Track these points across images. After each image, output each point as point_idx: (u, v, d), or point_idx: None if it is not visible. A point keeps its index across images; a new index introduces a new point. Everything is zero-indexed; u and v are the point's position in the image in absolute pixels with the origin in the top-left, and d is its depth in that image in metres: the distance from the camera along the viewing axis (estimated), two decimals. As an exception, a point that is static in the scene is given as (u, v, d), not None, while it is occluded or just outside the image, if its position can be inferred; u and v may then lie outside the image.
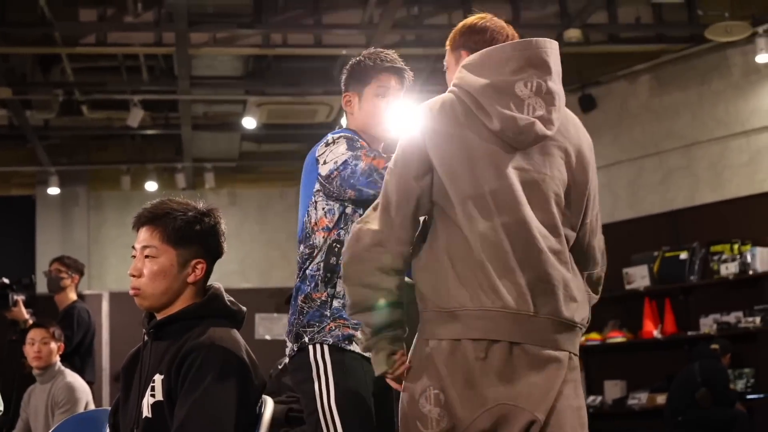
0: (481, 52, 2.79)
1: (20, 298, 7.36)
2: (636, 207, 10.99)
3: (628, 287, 10.40)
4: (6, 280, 7.43)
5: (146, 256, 2.98)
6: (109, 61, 10.59)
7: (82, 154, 14.00)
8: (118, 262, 14.72)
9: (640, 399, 10.18)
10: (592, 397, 10.70)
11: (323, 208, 3.28)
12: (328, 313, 3.23)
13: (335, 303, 3.24)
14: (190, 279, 3.00)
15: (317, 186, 3.28)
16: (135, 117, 10.78)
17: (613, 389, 10.60)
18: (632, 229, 10.78)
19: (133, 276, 3.00)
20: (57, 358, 6.05)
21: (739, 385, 9.68)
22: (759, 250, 9.57)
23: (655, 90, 10.91)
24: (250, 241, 15.00)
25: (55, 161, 13.35)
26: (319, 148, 3.29)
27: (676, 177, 10.74)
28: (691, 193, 10.57)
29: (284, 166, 14.84)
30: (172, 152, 13.72)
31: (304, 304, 3.25)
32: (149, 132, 12.60)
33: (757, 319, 9.50)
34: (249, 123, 11.19)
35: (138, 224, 3.04)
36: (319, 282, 3.24)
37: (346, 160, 3.15)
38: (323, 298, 3.24)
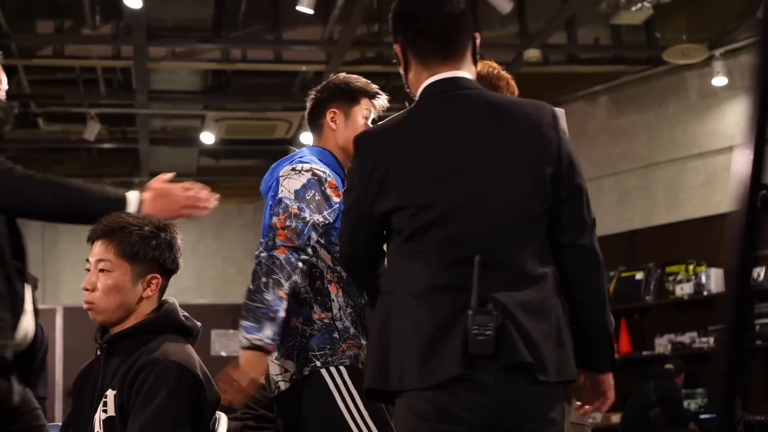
0: None
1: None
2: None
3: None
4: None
5: (101, 270, 2.94)
6: (66, 73, 10.48)
7: (38, 167, 13.70)
8: (73, 276, 14.57)
9: (594, 418, 10.18)
10: (547, 416, 10.71)
11: None
12: (337, 334, 3.13)
13: (339, 324, 3.15)
14: (145, 294, 2.96)
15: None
16: (92, 131, 10.69)
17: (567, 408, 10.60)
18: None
19: (87, 290, 2.95)
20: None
21: (693, 405, 9.73)
22: (714, 271, 9.66)
23: (613, 111, 11.00)
24: (206, 257, 14.92)
25: (9, 174, 13.18)
26: (285, 170, 3.20)
27: (633, 197, 10.82)
28: (648, 214, 10.65)
29: (242, 182, 14.78)
30: (129, 166, 13.62)
31: (306, 327, 3.12)
32: (106, 146, 12.49)
33: (711, 340, 9.57)
34: (207, 138, 11.13)
35: (93, 238, 2.99)
36: (314, 304, 3.15)
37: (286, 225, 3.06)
38: (326, 320, 3.14)
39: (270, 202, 3.24)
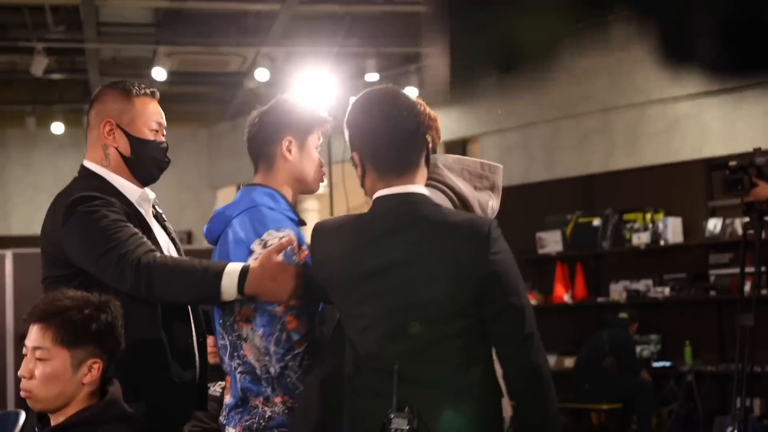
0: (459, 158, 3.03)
1: None
2: (551, 169, 10.97)
3: (540, 251, 10.44)
4: None
5: (38, 358, 2.78)
6: (12, 8, 10.10)
7: (-16, 93, 13.50)
8: (23, 201, 14.34)
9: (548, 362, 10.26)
10: (502, 358, 10.78)
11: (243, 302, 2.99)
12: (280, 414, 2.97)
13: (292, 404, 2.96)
14: (86, 380, 2.81)
15: None
16: (39, 65, 10.36)
17: (522, 350, 10.67)
18: (547, 191, 10.80)
19: (24, 377, 2.80)
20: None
21: (645, 351, 9.82)
22: (671, 220, 9.64)
23: (574, 52, 10.80)
24: (160, 183, 14.54)
25: (-46, 100, 12.89)
26: (254, 245, 2.97)
27: (592, 141, 10.73)
28: (606, 158, 10.58)
29: (196, 108, 14.50)
30: (80, 93, 13.26)
31: (266, 407, 2.94)
32: (55, 77, 12.13)
33: (666, 289, 9.61)
34: (159, 74, 10.80)
35: (29, 320, 2.83)
36: (275, 385, 2.94)
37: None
38: (289, 404, 2.93)
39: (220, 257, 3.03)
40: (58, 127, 13.37)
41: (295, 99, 3.19)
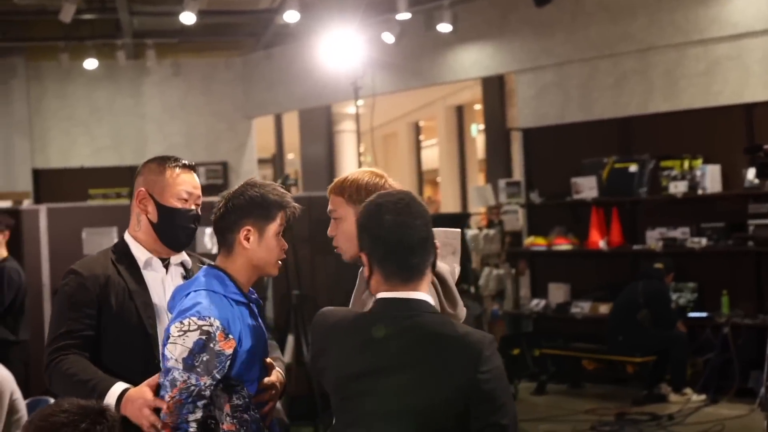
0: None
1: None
2: (587, 110, 10.76)
3: (576, 196, 10.30)
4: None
5: None
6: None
7: (18, 31, 13.44)
8: (59, 134, 14.39)
9: (582, 308, 10.24)
10: (536, 301, 10.77)
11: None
12: None
13: None
14: None
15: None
16: (67, 12, 10.26)
17: (557, 293, 10.65)
18: (582, 133, 10.61)
19: None
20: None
21: (681, 299, 9.73)
22: (709, 168, 9.44)
23: (612, -11, 10.51)
24: (194, 114, 14.65)
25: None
26: (173, 328, 3.05)
27: (630, 82, 10.48)
28: (644, 101, 10.34)
29: (229, 38, 14.36)
30: (112, 28, 13.16)
31: None
32: (86, 17, 12.02)
33: (704, 239, 9.46)
34: (188, 18, 10.64)
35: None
36: None
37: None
38: None
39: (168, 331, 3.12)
40: (91, 63, 13.32)
41: (261, 184, 3.25)
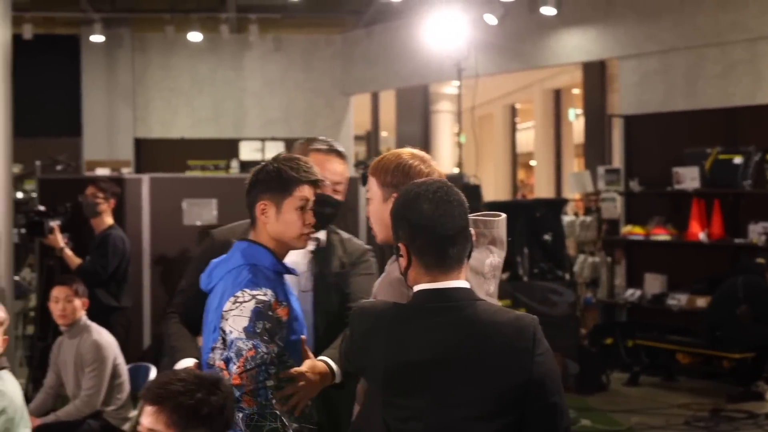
0: None
1: (56, 224, 7.34)
2: (692, 99, 10.57)
3: (677, 186, 10.14)
4: (42, 208, 7.40)
5: None
6: None
7: (125, 2, 13.70)
8: (162, 105, 14.66)
9: (679, 300, 10.09)
10: (631, 290, 10.65)
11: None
12: None
13: None
14: None
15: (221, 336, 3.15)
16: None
17: (653, 283, 10.51)
18: (686, 122, 10.43)
19: None
20: (82, 314, 6.00)
21: (783, 296, 9.53)
22: (818, 162, 9.22)
23: (722, -24, 10.29)
24: (294, 89, 14.77)
25: (98, 8, 13.09)
26: (227, 303, 3.11)
27: (737, 72, 10.26)
28: (752, 91, 10.12)
29: (330, 14, 14.42)
30: (217, 2, 13.33)
31: None
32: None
33: (808, 235, 9.26)
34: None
35: (144, 400, 2.90)
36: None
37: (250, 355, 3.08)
38: None
39: (210, 318, 3.20)
40: (195, 36, 13.52)
41: (284, 159, 3.27)
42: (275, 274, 3.21)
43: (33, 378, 7.69)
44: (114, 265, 7.34)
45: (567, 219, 11.60)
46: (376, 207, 3.10)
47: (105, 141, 14.48)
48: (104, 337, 6.02)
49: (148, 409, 2.89)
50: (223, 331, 3.12)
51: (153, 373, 6.29)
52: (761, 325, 9.01)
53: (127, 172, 13.63)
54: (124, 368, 6.08)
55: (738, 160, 9.73)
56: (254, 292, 3.09)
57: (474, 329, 2.67)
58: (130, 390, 6.10)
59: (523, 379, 2.62)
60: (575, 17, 11.71)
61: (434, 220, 2.68)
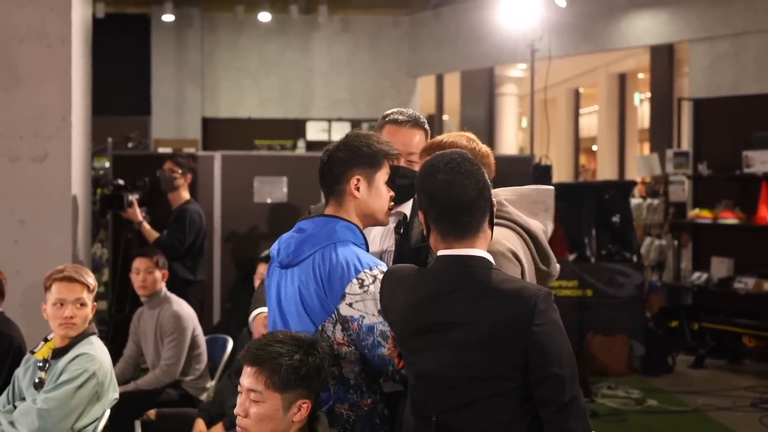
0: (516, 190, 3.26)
1: (134, 198, 7.50)
2: (763, 82, 10.50)
3: (746, 170, 10.08)
4: (121, 182, 7.57)
5: (252, 400, 2.99)
6: None
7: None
8: (230, 85, 14.83)
9: (746, 284, 10.05)
10: (698, 274, 10.62)
11: (341, 331, 3.14)
12: (378, 420, 3.20)
13: (379, 408, 3.20)
14: (296, 419, 3.01)
15: (335, 315, 3.12)
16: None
17: (720, 267, 10.47)
18: (756, 106, 10.36)
19: (239, 415, 3.02)
20: (162, 285, 6.14)
21: None
22: None
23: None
24: (360, 70, 14.87)
25: (168, -12, 13.31)
26: (351, 286, 3.08)
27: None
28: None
29: (399, -5, 14.50)
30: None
31: (351, 413, 3.17)
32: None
33: None
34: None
35: (244, 361, 3.03)
36: (365, 388, 3.17)
37: (374, 342, 3.08)
38: (370, 404, 3.19)
39: (325, 292, 3.14)
40: (264, 16, 13.66)
41: (365, 135, 3.28)
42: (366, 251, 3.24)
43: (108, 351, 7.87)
44: (191, 240, 7.50)
45: (634, 202, 11.58)
46: None
47: (173, 120, 14.70)
48: (184, 308, 6.16)
49: (248, 370, 3.02)
50: (346, 317, 3.11)
51: (230, 345, 6.43)
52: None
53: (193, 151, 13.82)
54: (202, 339, 6.22)
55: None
56: (373, 273, 3.10)
57: (481, 295, 2.81)
58: (207, 361, 6.25)
59: (521, 346, 2.74)
60: (646, 0, 11.68)
61: (444, 189, 2.84)
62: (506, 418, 2.80)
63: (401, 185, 3.45)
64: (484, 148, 3.37)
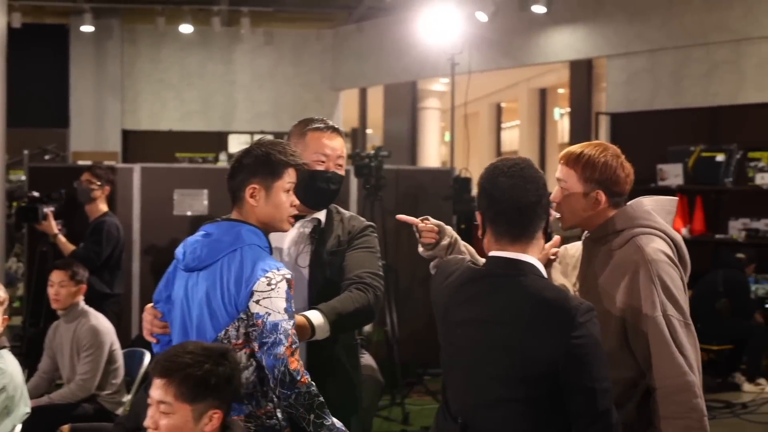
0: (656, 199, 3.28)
1: (50, 210, 7.41)
2: (677, 97, 10.73)
3: (660, 183, 10.30)
4: (36, 194, 7.47)
5: (161, 411, 2.98)
6: None
7: (116, -8, 13.76)
8: (151, 98, 14.71)
9: (662, 294, 10.24)
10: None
11: (244, 333, 3.20)
12: (278, 428, 3.25)
13: (278, 414, 3.24)
14: (207, 429, 3.00)
15: (243, 316, 3.18)
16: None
17: (636, 278, 10.65)
18: (671, 120, 10.59)
19: (150, 428, 3.00)
20: (79, 299, 6.05)
21: (761, 291, 9.70)
22: (798, 161, 9.40)
23: (708, -23, 10.46)
24: (283, 83, 14.86)
25: (88, -1, 13.18)
26: (258, 284, 3.14)
27: (721, 72, 10.43)
28: (735, 91, 10.29)
29: (322, 9, 14.51)
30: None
31: (249, 423, 3.21)
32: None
33: (788, 232, 9.44)
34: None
35: (153, 372, 3.01)
36: (260, 397, 3.22)
37: (280, 340, 3.11)
38: (269, 412, 3.23)
39: (226, 292, 3.19)
40: (186, 28, 13.59)
41: (270, 143, 3.31)
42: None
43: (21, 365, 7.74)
44: (107, 252, 7.41)
45: (555, 214, 11.71)
46: (576, 199, 3.25)
47: (92, 133, 14.53)
48: (102, 322, 6.08)
49: (158, 382, 3.00)
50: (252, 313, 3.15)
51: (147, 358, 6.37)
52: (739, 318, 9.18)
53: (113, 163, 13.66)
54: (119, 354, 6.15)
55: (720, 157, 9.90)
56: (282, 272, 3.16)
57: (522, 300, 2.82)
58: (125, 375, 6.18)
59: (554, 356, 2.73)
60: (565, 16, 11.86)
61: (506, 192, 2.87)
62: (529, 426, 2.79)
63: (321, 190, 3.55)
64: (628, 167, 3.35)
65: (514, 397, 2.79)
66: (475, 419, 2.86)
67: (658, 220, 3.21)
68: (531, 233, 2.89)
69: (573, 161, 3.26)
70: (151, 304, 3.49)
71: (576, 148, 3.31)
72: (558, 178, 3.29)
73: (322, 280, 3.57)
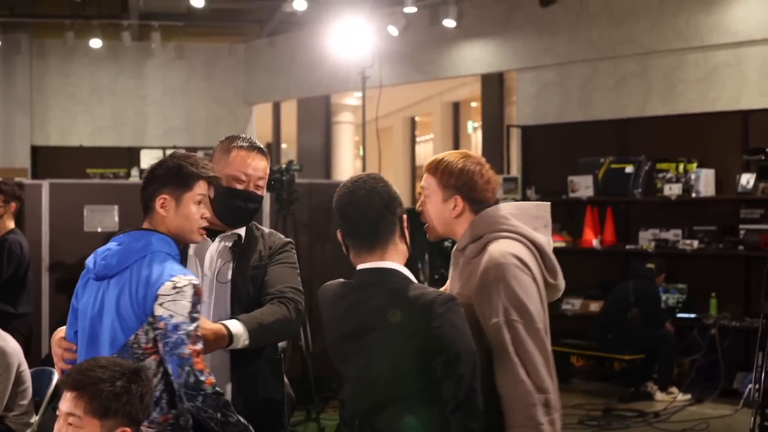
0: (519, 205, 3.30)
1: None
2: (587, 110, 10.91)
3: (571, 195, 10.45)
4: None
5: (69, 424, 2.91)
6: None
7: (24, 7, 13.51)
8: (61, 113, 14.48)
9: (573, 305, 10.39)
10: (528, 296, 10.88)
11: (152, 338, 3.20)
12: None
13: (181, 422, 3.24)
14: None
15: (151, 319, 3.18)
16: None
17: (549, 289, 10.76)
18: (581, 133, 10.76)
19: None
20: (-17, 322, 5.93)
21: (671, 300, 9.89)
22: (704, 171, 9.60)
23: (616, -8, 10.66)
24: (195, 98, 14.75)
25: (-5, 12, 12.93)
26: (164, 288, 3.16)
27: (629, 84, 10.63)
28: (642, 103, 10.50)
29: (233, 23, 14.45)
30: (118, 8, 13.25)
31: (150, 430, 3.19)
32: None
33: (695, 242, 9.62)
34: (197, 0, 10.74)
35: (64, 385, 2.95)
36: (164, 404, 3.21)
37: (183, 341, 3.14)
38: (171, 420, 3.23)
39: (133, 297, 3.20)
40: (96, 42, 13.41)
41: (182, 156, 3.35)
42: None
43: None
44: (10, 271, 7.23)
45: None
46: (436, 206, 3.31)
47: (1, 149, 14.25)
48: (9, 343, 5.92)
49: (68, 395, 2.94)
50: (156, 316, 3.17)
51: (56, 377, 6.24)
52: (650, 328, 9.34)
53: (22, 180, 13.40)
54: (27, 375, 6.00)
55: (629, 169, 10.08)
56: (188, 278, 3.19)
57: (388, 303, 2.97)
58: (33, 395, 6.05)
59: (422, 348, 2.88)
60: (475, 30, 11.98)
61: (352, 206, 3.04)
62: (414, 421, 2.92)
63: (239, 208, 3.58)
64: (492, 175, 3.39)
65: (397, 395, 2.93)
66: (370, 420, 2.99)
67: (516, 224, 3.20)
68: (385, 240, 3.05)
69: (433, 168, 3.33)
70: (62, 335, 3.47)
71: (438, 155, 3.39)
72: (421, 186, 3.37)
73: (244, 295, 3.59)
